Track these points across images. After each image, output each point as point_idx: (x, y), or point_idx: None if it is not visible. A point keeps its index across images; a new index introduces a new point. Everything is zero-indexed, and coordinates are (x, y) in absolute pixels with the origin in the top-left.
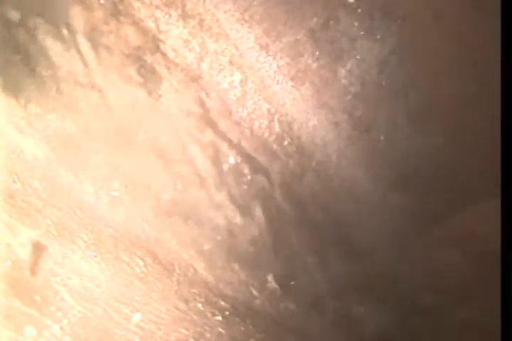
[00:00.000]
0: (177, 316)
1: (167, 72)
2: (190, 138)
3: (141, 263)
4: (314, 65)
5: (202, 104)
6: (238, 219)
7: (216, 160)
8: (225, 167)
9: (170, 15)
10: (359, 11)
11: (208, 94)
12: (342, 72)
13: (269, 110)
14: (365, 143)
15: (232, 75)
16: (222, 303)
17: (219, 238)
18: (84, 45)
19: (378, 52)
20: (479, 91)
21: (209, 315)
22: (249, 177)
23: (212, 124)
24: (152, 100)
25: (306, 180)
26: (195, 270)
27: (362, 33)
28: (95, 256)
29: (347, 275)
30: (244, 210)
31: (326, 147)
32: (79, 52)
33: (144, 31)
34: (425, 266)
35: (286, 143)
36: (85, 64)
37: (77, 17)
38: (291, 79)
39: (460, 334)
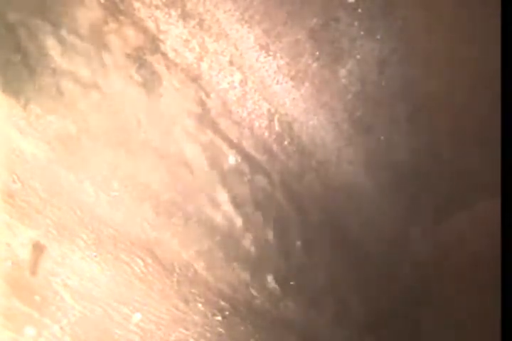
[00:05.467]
0: (177, 316)
1: (167, 72)
2: (190, 138)
3: (141, 263)
4: (314, 65)
5: (202, 104)
6: (238, 219)
7: (216, 160)
8: (225, 167)
9: (170, 15)
10: (359, 11)
11: (208, 94)
12: (342, 72)
13: (269, 110)
14: (365, 143)
15: (232, 75)
16: (222, 303)
17: (219, 238)
18: (84, 45)
19: (378, 52)
20: (479, 91)
21: (209, 315)
22: (249, 177)
23: (212, 124)
24: (152, 100)
25: (306, 180)
26: (195, 270)
27: (362, 33)
28: (95, 256)
29: (347, 275)
30: (244, 210)
31: (326, 147)
32: (79, 52)
33: (144, 31)
34: (425, 265)
35: (286, 143)
36: (85, 64)
37: (77, 17)
38: (291, 79)
39: (460, 334)
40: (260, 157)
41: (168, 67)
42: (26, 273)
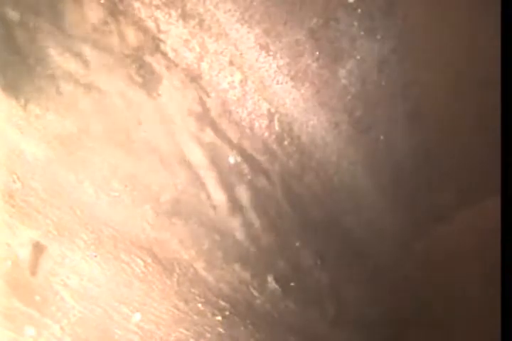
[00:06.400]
0: (177, 316)
1: (167, 72)
2: (190, 138)
3: (141, 263)
4: (314, 65)
5: (202, 104)
6: (238, 219)
7: (216, 160)
8: (225, 167)
9: (170, 15)
10: (359, 11)
11: (208, 94)
12: (342, 72)
13: (269, 110)
14: (365, 143)
15: (232, 75)
16: (222, 303)
17: (219, 238)
18: (84, 45)
19: (378, 52)
20: (479, 90)
21: (209, 315)
22: (249, 177)
23: (212, 124)
24: (152, 100)
25: (306, 180)
26: (195, 270)
27: (362, 33)
28: (95, 256)
29: (347, 274)
30: (244, 210)
31: (326, 147)
32: (79, 52)
33: (144, 31)
34: (425, 265)
35: (286, 143)
36: (85, 64)
37: (77, 17)
38: (291, 79)
39: (460, 334)
40: (260, 157)
41: (168, 67)
42: (26, 273)
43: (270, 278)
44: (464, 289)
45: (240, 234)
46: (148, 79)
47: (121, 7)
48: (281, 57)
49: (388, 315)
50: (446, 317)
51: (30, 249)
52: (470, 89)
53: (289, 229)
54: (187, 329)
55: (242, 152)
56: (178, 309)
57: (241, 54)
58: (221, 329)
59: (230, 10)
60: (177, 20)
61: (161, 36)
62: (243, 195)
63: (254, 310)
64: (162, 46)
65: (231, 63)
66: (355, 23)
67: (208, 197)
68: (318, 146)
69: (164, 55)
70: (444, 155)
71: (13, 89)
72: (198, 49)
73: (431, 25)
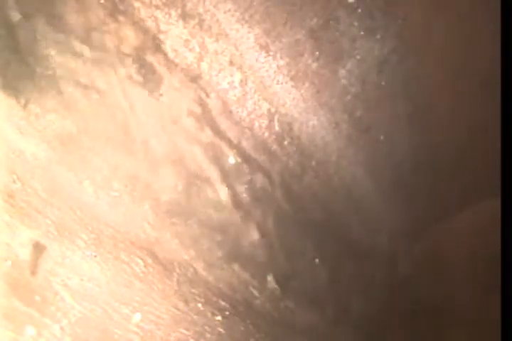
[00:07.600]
0: (177, 316)
1: (167, 71)
2: (191, 138)
3: (141, 263)
4: (314, 65)
5: (202, 104)
6: (238, 219)
7: (216, 160)
8: (225, 167)
9: (170, 15)
10: (359, 11)
11: (208, 94)
12: (342, 72)
13: (269, 110)
14: (365, 143)
15: (232, 75)
16: (222, 303)
17: (219, 238)
18: (85, 45)
19: (378, 52)
20: (479, 90)
21: (209, 315)
22: (249, 177)
23: (212, 124)
24: (152, 100)
25: (306, 180)
26: (195, 270)
27: (362, 33)
28: (95, 256)
29: (347, 274)
30: (245, 210)
31: (326, 147)
32: (79, 51)
33: (144, 31)
34: (425, 265)
35: (286, 143)
36: (85, 64)
37: (77, 17)
38: (291, 79)
39: (460, 334)
40: (260, 157)
41: (168, 67)
42: (26, 273)
43: (270, 278)
44: (464, 289)
45: (239, 234)
46: (148, 79)
47: (121, 7)
48: (281, 57)
49: (388, 315)
50: (445, 317)
51: (30, 249)
52: (470, 89)
53: (289, 228)
54: (187, 329)
55: (242, 152)
56: (178, 309)
57: (241, 54)
58: (221, 329)
59: (230, 10)
60: (177, 20)
61: (161, 36)
62: (243, 195)
63: (254, 310)
64: (162, 46)
65: (231, 63)
66: (355, 23)
67: (208, 197)
68: (318, 146)
69: (164, 55)
70: (444, 155)
71: (13, 89)
72: (198, 49)
73: (431, 25)
